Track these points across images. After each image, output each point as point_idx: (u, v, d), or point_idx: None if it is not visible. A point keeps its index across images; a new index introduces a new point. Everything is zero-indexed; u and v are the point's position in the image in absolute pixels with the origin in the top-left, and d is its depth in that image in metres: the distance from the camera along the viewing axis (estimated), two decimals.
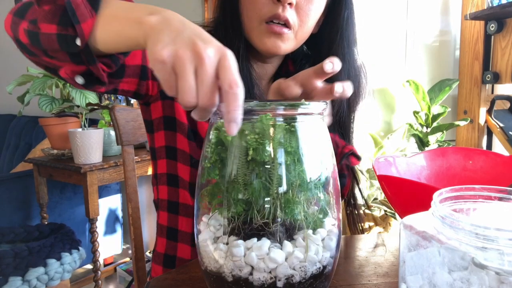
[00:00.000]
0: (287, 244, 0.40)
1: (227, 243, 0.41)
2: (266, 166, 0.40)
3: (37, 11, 0.49)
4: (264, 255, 0.39)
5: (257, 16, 0.66)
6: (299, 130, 0.41)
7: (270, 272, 0.40)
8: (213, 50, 0.38)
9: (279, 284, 0.39)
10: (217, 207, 0.44)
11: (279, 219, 0.41)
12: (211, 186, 0.44)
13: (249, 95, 0.69)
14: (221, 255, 0.41)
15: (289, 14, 0.65)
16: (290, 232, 0.42)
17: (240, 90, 0.37)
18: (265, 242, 0.40)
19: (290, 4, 0.65)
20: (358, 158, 0.76)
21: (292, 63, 0.80)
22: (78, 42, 0.46)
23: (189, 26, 0.41)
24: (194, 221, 0.46)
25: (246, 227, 0.41)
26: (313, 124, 0.43)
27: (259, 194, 0.40)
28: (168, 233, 0.75)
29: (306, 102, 0.41)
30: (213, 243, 0.42)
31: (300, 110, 0.41)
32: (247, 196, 0.40)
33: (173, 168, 0.72)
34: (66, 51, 0.47)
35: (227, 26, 0.70)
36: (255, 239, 0.41)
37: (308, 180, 0.41)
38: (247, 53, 0.71)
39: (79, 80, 0.50)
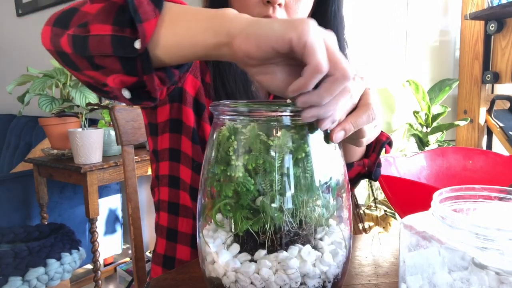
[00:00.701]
0: (299, 255, 0.40)
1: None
2: (274, 172, 0.39)
3: (87, 14, 0.42)
4: (274, 271, 0.39)
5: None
6: (308, 133, 0.40)
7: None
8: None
9: None
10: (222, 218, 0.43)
11: (287, 228, 0.40)
12: (217, 198, 0.42)
13: (246, 93, 0.69)
14: (227, 268, 0.40)
15: (279, 14, 0.65)
16: (300, 241, 0.41)
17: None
18: (275, 256, 0.39)
19: (279, 4, 0.64)
20: (391, 145, 0.73)
21: None
22: (138, 45, 0.39)
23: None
24: (197, 227, 0.45)
25: (253, 239, 0.41)
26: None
27: (268, 203, 0.39)
28: (168, 234, 0.75)
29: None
30: (219, 254, 0.42)
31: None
32: (256, 207, 0.39)
33: (175, 170, 0.72)
34: (120, 56, 0.41)
35: None
36: (263, 252, 0.40)
37: (319, 186, 0.40)
38: None
39: (126, 93, 0.43)
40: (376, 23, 1.60)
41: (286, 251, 0.40)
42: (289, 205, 0.39)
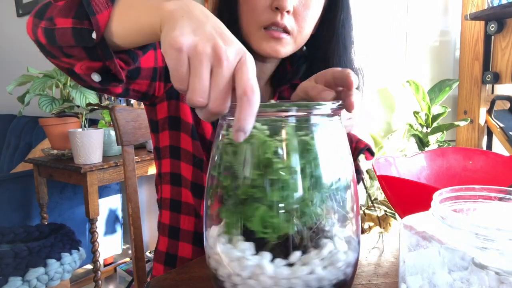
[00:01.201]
0: (311, 259, 0.39)
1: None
2: (282, 173, 0.38)
3: (55, 8, 0.47)
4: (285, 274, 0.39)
5: (256, 23, 0.66)
6: (315, 132, 0.40)
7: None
8: (234, 52, 0.36)
9: None
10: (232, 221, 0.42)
11: (295, 230, 0.39)
12: (226, 204, 0.41)
13: None
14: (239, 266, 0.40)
15: (287, 21, 0.65)
16: (310, 243, 0.41)
17: (255, 98, 0.35)
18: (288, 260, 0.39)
19: (287, 11, 0.65)
20: (372, 153, 0.75)
21: (290, 63, 0.80)
22: (94, 35, 0.44)
23: (211, 19, 0.38)
24: (204, 230, 0.45)
25: (264, 243, 0.40)
26: (330, 125, 0.42)
27: (276, 203, 0.38)
28: (170, 231, 0.75)
29: (322, 103, 0.40)
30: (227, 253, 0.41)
31: (315, 111, 0.39)
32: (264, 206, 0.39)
33: (176, 167, 0.73)
34: (82, 46, 0.45)
35: (231, 22, 0.68)
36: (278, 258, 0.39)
37: (328, 186, 0.40)
38: None
39: (96, 77, 0.48)
40: (376, 24, 1.61)
41: (303, 253, 0.40)
42: (301, 208, 0.39)
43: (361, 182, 0.80)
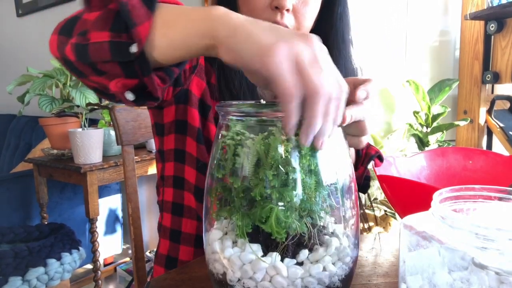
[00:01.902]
0: (307, 259, 0.40)
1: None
2: (281, 174, 0.38)
3: (86, 22, 0.44)
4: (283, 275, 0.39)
5: None
6: None
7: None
8: (341, 83, 0.36)
9: None
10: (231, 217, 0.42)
11: (294, 231, 0.39)
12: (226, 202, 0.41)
13: (251, 95, 0.69)
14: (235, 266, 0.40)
15: (287, 19, 0.65)
16: (317, 241, 0.41)
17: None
18: (288, 261, 0.39)
19: (287, 10, 0.65)
20: (381, 159, 0.75)
21: None
22: (134, 48, 0.40)
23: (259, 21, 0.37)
24: (203, 230, 0.45)
25: (262, 240, 0.40)
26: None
27: (290, 203, 0.38)
28: (171, 234, 0.75)
29: None
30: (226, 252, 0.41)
31: None
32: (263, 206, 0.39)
33: (180, 170, 0.72)
34: (119, 61, 0.42)
35: None
36: (278, 257, 0.39)
37: (327, 188, 0.40)
38: None
39: (129, 96, 0.44)
40: (376, 23, 1.61)
41: (310, 251, 0.40)
42: (310, 207, 0.39)
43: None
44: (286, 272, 0.38)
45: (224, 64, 0.40)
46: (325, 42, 0.74)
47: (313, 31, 0.75)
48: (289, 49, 0.34)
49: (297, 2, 0.66)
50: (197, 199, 0.70)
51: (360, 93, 0.44)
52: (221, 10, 0.39)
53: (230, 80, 0.69)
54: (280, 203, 0.38)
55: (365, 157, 0.73)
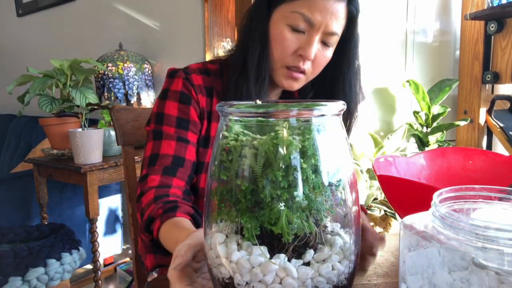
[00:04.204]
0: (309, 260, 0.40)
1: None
2: (282, 172, 0.38)
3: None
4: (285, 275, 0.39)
5: (281, 62, 0.76)
6: (315, 133, 0.40)
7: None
8: None
9: None
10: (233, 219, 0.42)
11: (302, 231, 0.39)
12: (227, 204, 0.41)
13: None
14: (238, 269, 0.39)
15: (307, 66, 0.77)
16: (321, 240, 0.41)
17: None
18: (295, 262, 0.39)
19: (310, 59, 0.75)
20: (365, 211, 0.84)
21: (298, 92, 0.87)
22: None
23: None
24: (204, 234, 0.44)
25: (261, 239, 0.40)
26: (330, 126, 0.42)
27: (298, 203, 0.38)
28: None
29: (323, 103, 0.40)
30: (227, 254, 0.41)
31: (316, 112, 0.39)
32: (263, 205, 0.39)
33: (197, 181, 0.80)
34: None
35: (261, 56, 0.77)
36: (279, 257, 0.39)
37: (328, 185, 0.40)
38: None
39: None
40: (376, 23, 1.61)
41: (315, 251, 0.40)
42: (317, 206, 0.39)
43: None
44: (297, 273, 0.38)
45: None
46: (333, 84, 0.82)
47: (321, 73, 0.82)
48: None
49: (318, 53, 0.76)
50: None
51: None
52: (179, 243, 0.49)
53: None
54: (289, 204, 0.38)
55: None
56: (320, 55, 0.76)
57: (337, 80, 0.83)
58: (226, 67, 0.83)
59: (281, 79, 0.78)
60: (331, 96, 0.82)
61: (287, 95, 0.88)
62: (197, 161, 0.80)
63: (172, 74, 0.81)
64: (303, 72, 0.77)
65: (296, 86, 0.79)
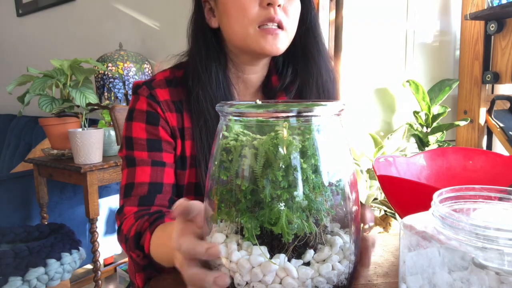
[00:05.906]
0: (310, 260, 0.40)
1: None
2: (282, 172, 0.38)
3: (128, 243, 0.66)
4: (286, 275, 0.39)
5: (250, 22, 0.69)
6: (315, 133, 0.40)
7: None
8: None
9: None
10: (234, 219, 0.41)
11: (302, 231, 0.39)
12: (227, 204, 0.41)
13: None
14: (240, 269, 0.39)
15: (281, 15, 0.69)
16: (321, 240, 0.41)
17: None
18: (295, 262, 0.39)
19: (279, 5, 0.68)
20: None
21: (277, 78, 0.82)
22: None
23: None
24: (204, 234, 0.44)
25: (261, 239, 0.40)
26: (330, 126, 0.41)
27: (298, 203, 0.38)
28: None
29: (323, 103, 0.40)
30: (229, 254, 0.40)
31: (316, 112, 0.39)
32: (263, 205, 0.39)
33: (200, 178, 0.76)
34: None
35: (208, 45, 0.74)
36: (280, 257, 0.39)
37: (328, 185, 0.40)
38: (227, 70, 0.76)
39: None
40: (376, 23, 1.61)
41: (315, 251, 0.40)
42: (317, 206, 0.39)
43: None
44: (297, 273, 0.38)
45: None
46: (304, 44, 0.78)
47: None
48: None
49: (284, 1, 0.69)
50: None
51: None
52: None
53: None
54: (289, 204, 0.38)
55: None
56: (288, 2, 0.70)
57: (306, 38, 0.78)
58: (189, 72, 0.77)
59: (260, 42, 0.69)
60: (305, 58, 0.78)
61: (268, 93, 0.82)
62: (176, 184, 0.74)
63: (136, 90, 0.75)
64: (279, 25, 0.69)
65: (280, 46, 0.70)
